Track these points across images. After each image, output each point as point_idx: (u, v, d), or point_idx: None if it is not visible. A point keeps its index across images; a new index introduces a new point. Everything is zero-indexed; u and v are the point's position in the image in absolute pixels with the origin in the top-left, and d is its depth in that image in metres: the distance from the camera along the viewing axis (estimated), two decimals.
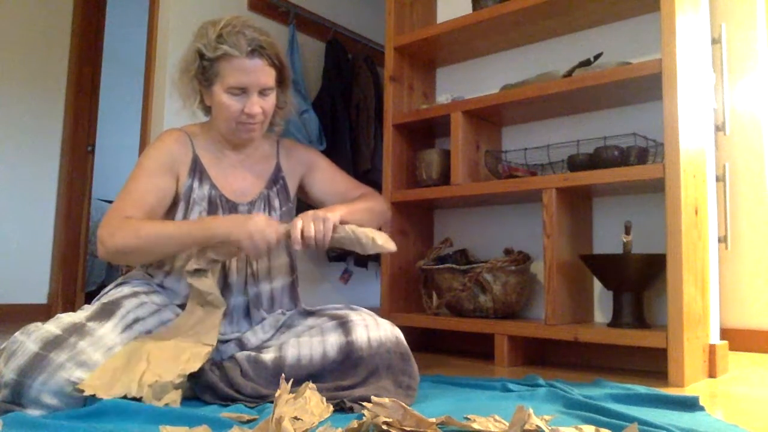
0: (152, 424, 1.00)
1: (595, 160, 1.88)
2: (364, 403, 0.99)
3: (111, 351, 1.16)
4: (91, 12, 3.68)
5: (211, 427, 0.96)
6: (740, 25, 2.58)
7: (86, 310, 1.24)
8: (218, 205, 1.39)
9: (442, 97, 2.35)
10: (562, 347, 2.04)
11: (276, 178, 1.49)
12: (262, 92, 1.35)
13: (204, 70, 1.34)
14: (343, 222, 1.31)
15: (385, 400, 0.96)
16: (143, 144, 2.79)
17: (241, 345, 1.36)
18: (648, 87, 1.84)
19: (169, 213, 1.39)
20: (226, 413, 1.07)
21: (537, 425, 0.93)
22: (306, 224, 1.25)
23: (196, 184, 1.39)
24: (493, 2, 2.16)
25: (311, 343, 1.28)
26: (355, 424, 0.92)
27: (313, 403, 1.05)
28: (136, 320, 1.26)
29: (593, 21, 2.09)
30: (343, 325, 1.29)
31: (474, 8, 2.23)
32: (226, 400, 1.19)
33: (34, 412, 1.05)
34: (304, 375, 1.23)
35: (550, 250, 1.87)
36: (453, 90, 2.51)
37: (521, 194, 2.05)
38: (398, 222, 2.34)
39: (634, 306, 1.80)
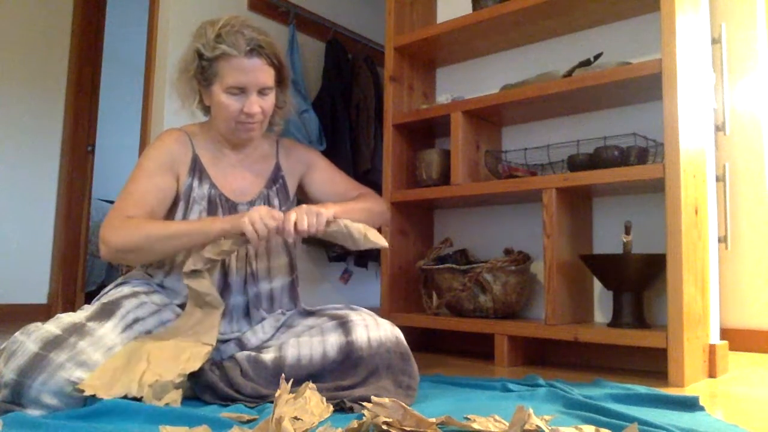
0: (152, 424, 1.00)
1: (595, 160, 1.88)
2: (364, 403, 0.99)
3: (111, 351, 1.16)
4: (91, 12, 3.68)
5: (211, 427, 0.96)
6: (740, 25, 2.58)
7: (86, 310, 1.24)
8: (218, 204, 1.39)
9: (442, 97, 2.35)
10: (562, 347, 2.04)
11: (275, 178, 1.49)
12: (261, 92, 1.35)
13: (203, 70, 1.34)
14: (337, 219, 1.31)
15: (385, 400, 0.96)
16: (143, 144, 2.79)
17: (241, 345, 1.36)
18: (648, 87, 1.84)
19: (169, 213, 1.39)
20: (226, 413, 1.07)
21: (537, 425, 0.93)
22: (299, 216, 1.26)
23: (195, 184, 1.39)
24: (493, 2, 2.16)
25: (311, 343, 1.28)
26: (355, 424, 0.92)
27: (313, 403, 1.05)
28: (136, 320, 1.26)
29: (593, 21, 2.09)
30: (343, 325, 1.29)
31: (474, 8, 2.23)
32: (226, 400, 1.19)
33: (34, 412, 1.05)
34: (304, 375, 1.23)
35: (550, 250, 1.87)
36: (453, 90, 2.51)
37: (521, 194, 2.05)
38: (398, 222, 2.34)
39: (634, 306, 1.80)
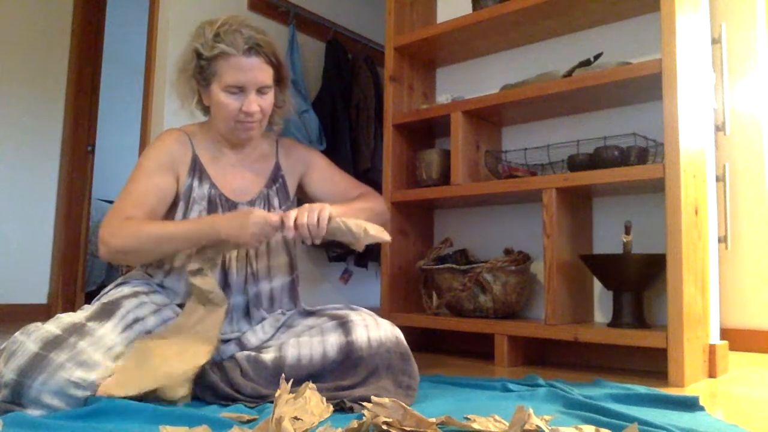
0: (152, 424, 1.00)
1: (595, 160, 1.88)
2: (364, 403, 0.99)
3: (111, 351, 1.17)
4: (91, 12, 3.68)
5: (211, 427, 0.96)
6: (740, 25, 2.58)
7: (86, 310, 1.24)
8: (218, 204, 1.39)
9: (442, 97, 2.35)
10: (562, 347, 2.04)
11: (275, 177, 1.49)
12: (260, 90, 1.35)
13: (201, 70, 1.34)
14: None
15: (385, 400, 0.96)
16: (143, 144, 2.79)
17: (241, 345, 1.36)
18: (648, 87, 1.84)
19: (169, 212, 1.39)
20: (226, 413, 1.07)
21: (537, 425, 0.93)
22: (300, 213, 1.26)
23: (195, 184, 1.39)
24: (493, 2, 2.16)
25: (311, 343, 1.28)
26: (355, 424, 0.92)
27: (313, 403, 1.05)
28: (136, 320, 1.26)
29: (593, 21, 2.09)
30: (343, 325, 1.29)
31: (474, 8, 2.23)
32: (226, 400, 1.19)
33: (34, 412, 1.05)
34: (304, 375, 1.23)
35: (550, 250, 1.87)
36: (453, 90, 2.51)
37: (521, 194, 2.05)
38: (398, 222, 2.34)
39: (634, 306, 1.80)
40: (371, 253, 3.34)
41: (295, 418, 0.98)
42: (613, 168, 1.79)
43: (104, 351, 1.15)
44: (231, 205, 1.40)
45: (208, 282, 1.29)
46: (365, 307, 1.39)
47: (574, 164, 1.94)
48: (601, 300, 2.04)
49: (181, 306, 1.36)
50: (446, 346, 2.37)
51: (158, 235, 1.26)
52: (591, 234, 2.08)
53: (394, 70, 2.40)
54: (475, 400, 1.28)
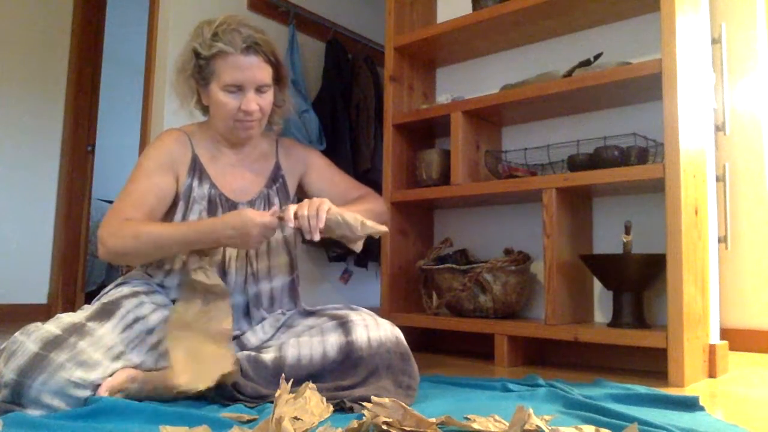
0: (152, 424, 1.00)
1: (595, 160, 1.88)
2: (364, 403, 0.99)
3: (111, 351, 1.17)
4: (91, 12, 3.68)
5: (211, 427, 0.96)
6: (740, 25, 2.58)
7: (86, 310, 1.24)
8: (218, 204, 1.39)
9: (442, 97, 2.35)
10: (562, 347, 2.04)
11: (275, 177, 1.49)
12: (259, 89, 1.35)
13: (200, 69, 1.34)
14: None
15: (385, 400, 0.96)
16: (143, 144, 2.79)
17: (241, 345, 1.36)
18: (648, 87, 1.84)
19: (169, 212, 1.39)
20: (226, 413, 1.07)
21: (537, 425, 0.93)
22: (300, 206, 1.26)
23: (195, 184, 1.39)
24: (493, 2, 2.16)
25: (311, 343, 1.28)
26: (355, 424, 0.92)
27: (313, 403, 1.05)
28: (136, 320, 1.26)
29: (593, 21, 2.09)
30: (343, 325, 1.29)
31: (474, 8, 2.23)
32: (226, 400, 1.19)
33: (34, 412, 1.05)
34: (304, 375, 1.23)
35: (550, 250, 1.87)
36: (453, 90, 2.51)
37: (521, 194, 2.05)
38: (398, 222, 2.34)
39: (634, 306, 1.80)
40: (371, 253, 3.33)
41: (295, 418, 0.98)
42: (613, 168, 1.79)
43: (104, 351, 1.15)
44: (231, 205, 1.40)
45: (211, 277, 1.30)
46: (365, 307, 1.39)
47: (574, 164, 1.94)
48: (601, 300, 2.04)
49: None
50: (446, 346, 2.36)
51: (156, 237, 1.26)
52: (591, 234, 2.08)
53: (394, 70, 2.40)
54: (475, 400, 1.28)
